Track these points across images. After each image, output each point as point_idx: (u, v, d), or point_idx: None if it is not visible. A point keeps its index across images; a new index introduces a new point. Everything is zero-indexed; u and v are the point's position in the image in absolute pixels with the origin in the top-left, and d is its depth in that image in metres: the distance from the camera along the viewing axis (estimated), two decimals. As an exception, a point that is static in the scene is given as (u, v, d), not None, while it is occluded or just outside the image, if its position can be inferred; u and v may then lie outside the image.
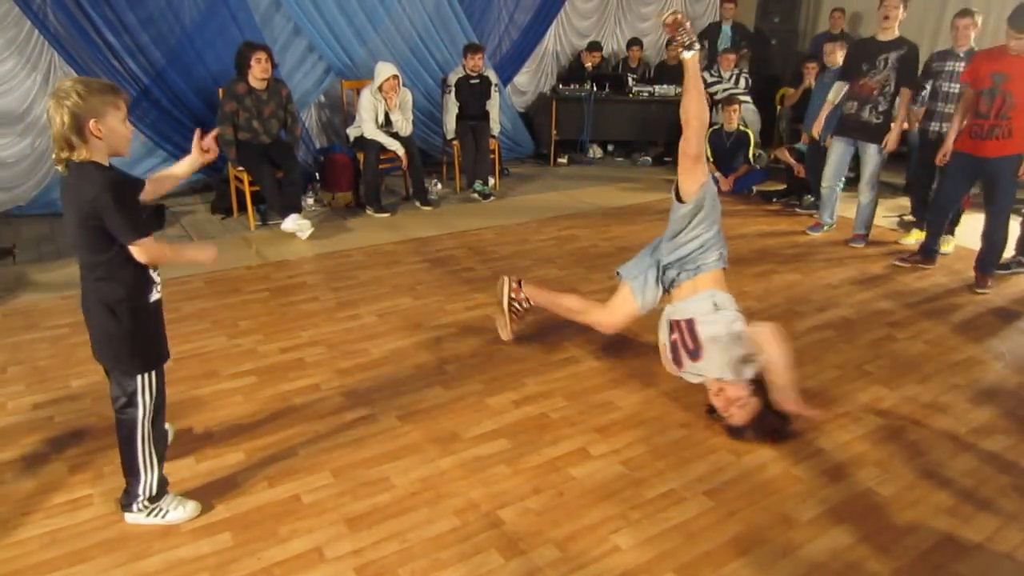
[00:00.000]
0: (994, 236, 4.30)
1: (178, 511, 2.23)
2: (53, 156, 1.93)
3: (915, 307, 4.04)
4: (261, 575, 2.04)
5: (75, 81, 1.89)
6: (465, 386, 3.08)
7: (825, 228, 5.32)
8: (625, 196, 6.32)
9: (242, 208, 5.29)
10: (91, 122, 1.86)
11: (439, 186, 6.31)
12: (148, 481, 2.18)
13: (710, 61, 8.09)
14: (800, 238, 5.26)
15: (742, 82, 7.48)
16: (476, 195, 6.12)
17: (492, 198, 6.14)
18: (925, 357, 3.44)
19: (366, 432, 2.72)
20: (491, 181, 6.36)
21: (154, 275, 2.15)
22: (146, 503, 2.19)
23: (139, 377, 2.12)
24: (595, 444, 2.68)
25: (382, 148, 5.56)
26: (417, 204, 5.81)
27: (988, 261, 4.34)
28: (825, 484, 2.48)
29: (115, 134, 1.93)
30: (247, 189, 5.08)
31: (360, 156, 5.64)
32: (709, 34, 8.36)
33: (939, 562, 2.14)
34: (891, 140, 4.71)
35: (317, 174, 6.00)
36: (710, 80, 7.59)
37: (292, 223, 4.95)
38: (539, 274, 4.39)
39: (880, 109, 4.74)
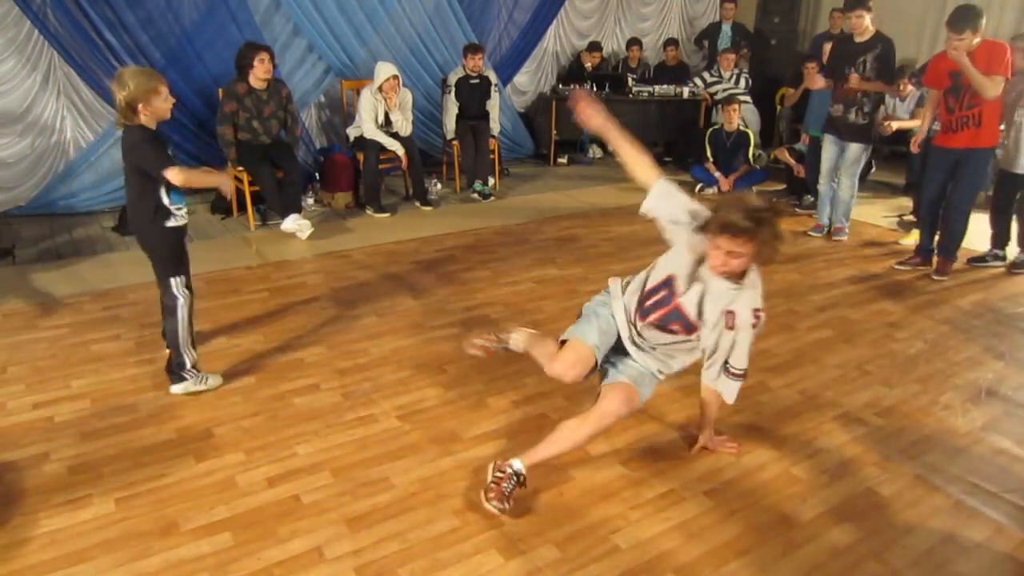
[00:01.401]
0: (953, 225, 4.43)
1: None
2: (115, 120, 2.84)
3: (915, 307, 4.04)
4: (261, 575, 2.04)
5: (131, 73, 2.69)
6: (465, 386, 3.08)
7: (826, 228, 5.31)
8: (625, 196, 6.32)
9: (242, 208, 5.30)
10: (139, 105, 2.67)
11: (439, 186, 6.31)
12: (191, 357, 2.96)
13: (710, 61, 8.09)
14: (800, 238, 5.25)
15: (742, 82, 7.48)
16: (476, 195, 6.12)
17: (492, 198, 6.14)
18: (925, 357, 3.44)
19: (366, 432, 2.72)
20: (491, 181, 6.36)
21: (169, 204, 2.83)
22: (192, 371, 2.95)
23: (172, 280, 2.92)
24: (595, 444, 2.67)
25: (382, 148, 5.56)
26: (417, 204, 5.81)
27: (947, 247, 4.48)
28: (825, 484, 2.48)
29: (158, 111, 2.76)
30: (247, 189, 5.08)
31: (360, 156, 5.64)
32: (709, 34, 8.36)
33: (939, 562, 2.14)
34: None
35: (317, 174, 6.00)
36: (710, 80, 7.60)
37: (292, 223, 4.95)
38: (539, 274, 4.39)
39: (865, 110, 4.84)
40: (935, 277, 4.44)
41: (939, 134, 4.41)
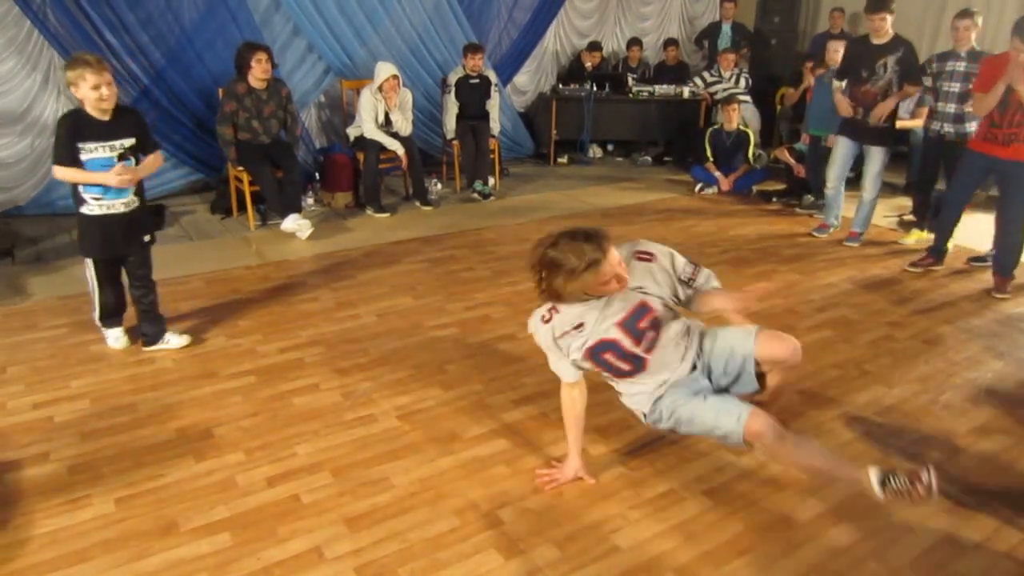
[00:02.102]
0: (1009, 239, 4.25)
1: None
2: None
3: (915, 307, 4.04)
4: (261, 575, 2.04)
5: (75, 57, 2.86)
6: (465, 386, 3.08)
7: (832, 230, 5.28)
8: (625, 196, 6.32)
9: (242, 208, 5.29)
10: (71, 88, 2.86)
11: (439, 186, 6.31)
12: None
13: (710, 61, 8.09)
14: (800, 238, 5.25)
15: (742, 82, 7.48)
16: (476, 195, 6.12)
17: (492, 198, 6.14)
18: (925, 357, 3.44)
19: (366, 432, 2.72)
20: (491, 181, 6.36)
21: (85, 193, 3.03)
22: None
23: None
24: (595, 444, 2.68)
25: (382, 148, 5.56)
26: (417, 204, 5.81)
27: (1005, 264, 4.26)
28: (825, 484, 2.47)
29: (86, 99, 2.85)
30: (247, 189, 5.08)
31: (360, 156, 5.64)
32: (709, 34, 8.36)
33: (939, 562, 2.14)
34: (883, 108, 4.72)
35: (317, 174, 6.00)
36: (710, 80, 7.60)
37: (292, 223, 4.95)
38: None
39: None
40: (996, 295, 4.21)
41: (978, 139, 4.23)
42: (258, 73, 4.87)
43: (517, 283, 4.23)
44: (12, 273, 4.24)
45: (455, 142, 6.30)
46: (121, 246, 3.13)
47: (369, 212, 5.60)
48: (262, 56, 4.86)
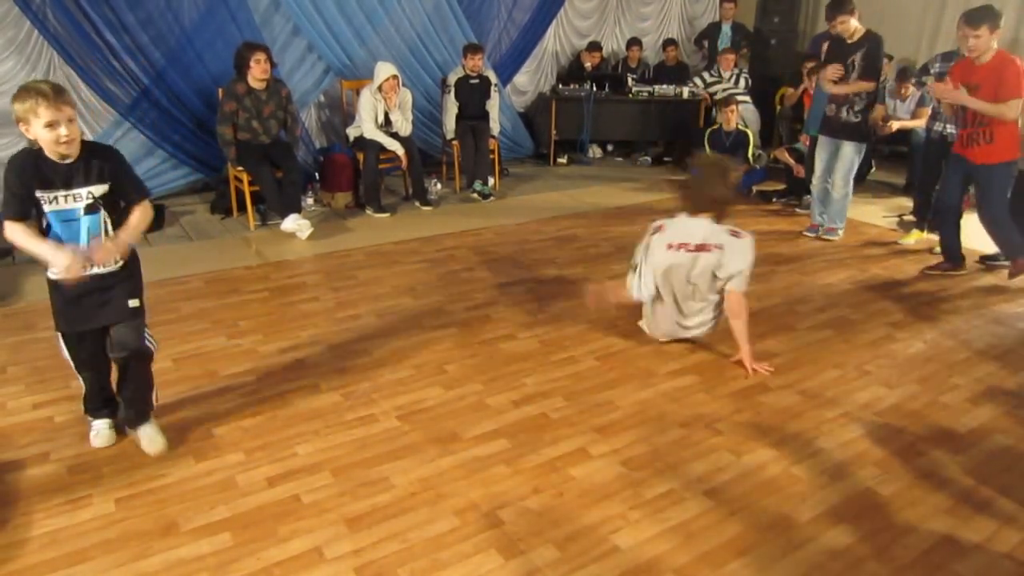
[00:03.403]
0: (1001, 235, 4.31)
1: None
2: None
3: (915, 307, 4.04)
4: (261, 575, 2.04)
5: (26, 86, 2.18)
6: (465, 386, 3.08)
7: (821, 229, 5.29)
8: (625, 196, 6.32)
9: (242, 208, 5.29)
10: (21, 126, 2.20)
11: (439, 186, 6.31)
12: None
13: (710, 61, 8.09)
14: (800, 238, 5.25)
15: (742, 82, 7.48)
16: (476, 195, 6.12)
17: (492, 198, 6.14)
18: (925, 357, 3.44)
19: (366, 432, 2.72)
20: (491, 181, 6.36)
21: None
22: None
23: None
24: (595, 444, 2.68)
25: (382, 148, 5.56)
26: (417, 204, 5.81)
27: (1013, 252, 4.29)
28: (825, 484, 2.48)
29: (39, 138, 2.20)
30: (247, 189, 5.08)
31: (360, 156, 5.64)
32: (709, 34, 8.36)
33: (939, 562, 2.14)
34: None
35: (317, 174, 6.00)
36: (710, 80, 7.60)
37: (292, 223, 4.95)
38: (539, 274, 4.39)
39: (856, 108, 4.83)
40: (1012, 279, 4.28)
41: (957, 143, 4.32)
42: (257, 73, 4.87)
43: (517, 283, 4.23)
44: (12, 273, 4.24)
45: (455, 142, 6.30)
46: (99, 315, 2.43)
47: (369, 212, 5.61)
48: (261, 56, 4.86)
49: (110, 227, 2.39)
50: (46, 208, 2.27)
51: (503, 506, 2.33)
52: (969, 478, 2.53)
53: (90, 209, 2.32)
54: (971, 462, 2.63)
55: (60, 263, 2.23)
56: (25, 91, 2.16)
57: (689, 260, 3.24)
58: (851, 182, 5.06)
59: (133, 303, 2.47)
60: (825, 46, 5.40)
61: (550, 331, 3.61)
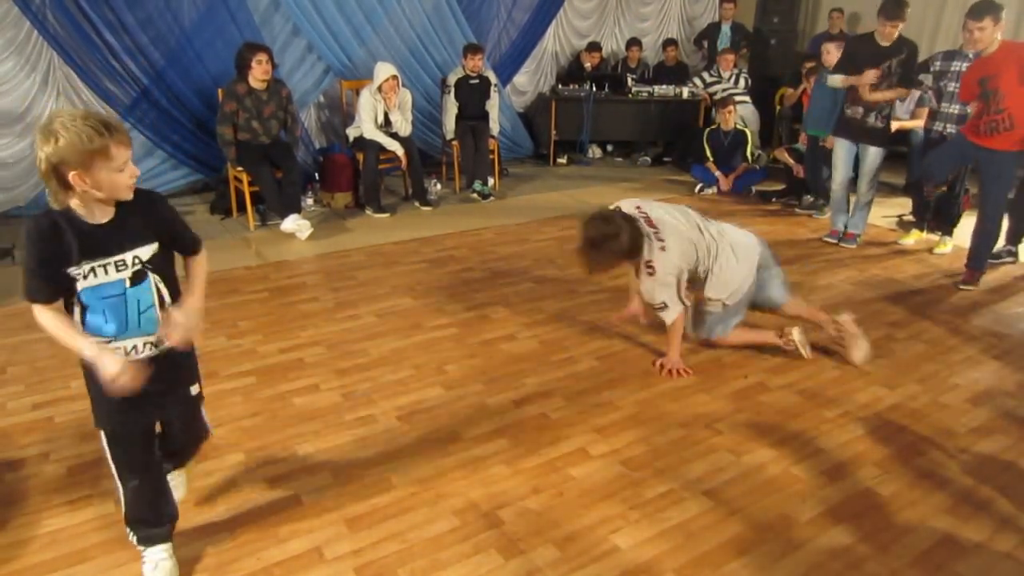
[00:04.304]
0: (985, 229, 4.31)
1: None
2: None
3: (915, 307, 4.04)
4: (261, 575, 2.04)
5: (66, 117, 1.56)
6: (465, 386, 3.08)
7: (842, 235, 5.17)
8: (624, 196, 6.27)
9: (241, 208, 5.29)
10: (71, 174, 1.58)
11: (438, 186, 6.31)
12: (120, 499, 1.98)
13: (710, 61, 8.10)
14: (800, 238, 5.25)
15: (741, 82, 7.49)
16: (475, 195, 6.12)
17: (492, 198, 6.14)
18: (925, 357, 3.44)
19: (366, 432, 2.72)
20: (491, 181, 6.36)
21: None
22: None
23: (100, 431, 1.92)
24: (594, 444, 2.68)
25: (381, 148, 5.56)
26: (417, 204, 5.81)
27: (978, 258, 4.34)
28: (825, 484, 2.48)
29: (104, 185, 1.62)
30: (246, 189, 5.08)
31: (359, 156, 5.64)
32: (709, 34, 8.36)
33: (939, 562, 2.14)
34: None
35: (317, 174, 6.00)
36: (709, 80, 7.61)
37: (292, 223, 4.95)
38: (539, 274, 4.39)
39: (884, 113, 4.77)
40: (962, 288, 4.27)
41: (969, 131, 4.27)
42: (258, 74, 4.88)
43: (517, 283, 4.23)
44: (12, 273, 4.24)
45: (454, 142, 6.30)
46: (156, 410, 1.94)
47: (369, 212, 5.61)
48: (263, 57, 4.86)
49: (165, 294, 1.84)
50: (80, 286, 1.72)
51: (503, 506, 2.33)
52: (969, 478, 2.53)
53: (137, 278, 1.77)
54: (971, 462, 2.63)
55: (109, 371, 1.69)
56: (85, 125, 1.56)
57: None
58: (876, 188, 4.97)
59: (195, 389, 2.01)
60: (830, 45, 5.35)
61: (550, 331, 3.62)
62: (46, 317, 1.75)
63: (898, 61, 4.62)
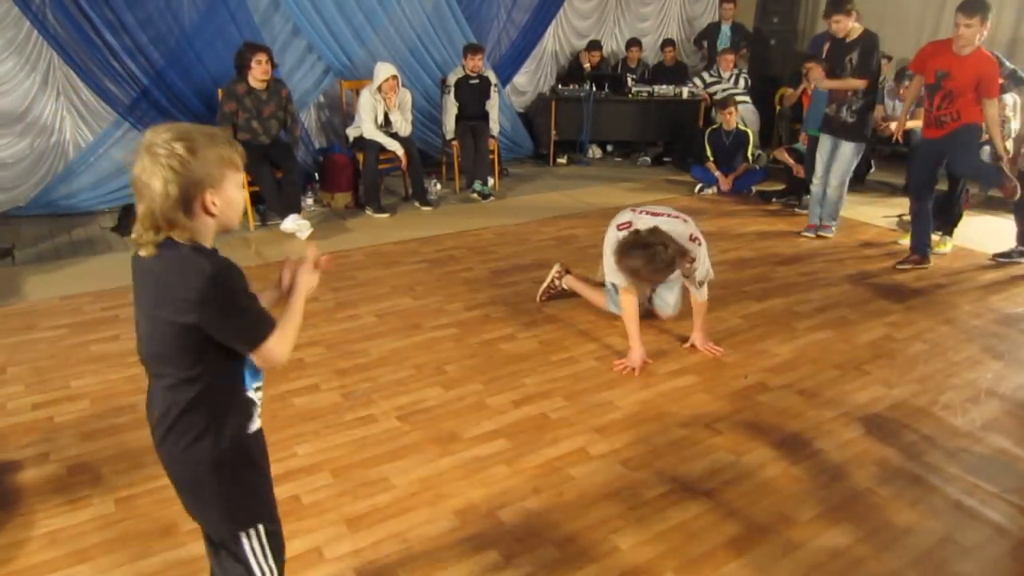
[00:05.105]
0: (949, 206, 4.60)
1: None
2: (135, 236, 1.35)
3: (915, 307, 4.04)
4: (261, 575, 2.03)
5: (173, 136, 1.31)
6: (465, 386, 3.08)
7: (817, 229, 5.29)
8: (624, 196, 6.32)
9: (241, 208, 5.29)
10: (206, 193, 1.33)
11: (438, 186, 6.31)
12: None
13: (710, 61, 8.09)
14: (800, 238, 5.25)
15: (741, 82, 7.49)
16: (475, 195, 6.12)
17: (491, 198, 6.14)
18: (925, 357, 3.45)
19: (366, 432, 2.72)
20: (490, 181, 6.36)
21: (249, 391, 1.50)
22: None
23: (244, 535, 1.51)
24: (595, 444, 2.68)
25: (381, 148, 5.56)
26: (416, 204, 5.81)
27: (921, 238, 4.60)
28: (825, 484, 2.48)
29: (232, 206, 1.39)
30: (246, 189, 5.08)
31: (359, 156, 5.64)
32: (709, 34, 8.36)
33: (939, 562, 2.14)
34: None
35: (316, 174, 6.00)
36: (709, 80, 7.61)
37: (292, 223, 4.95)
38: (539, 274, 4.38)
39: (854, 108, 4.84)
40: (899, 267, 4.55)
41: (923, 127, 4.50)
42: (258, 74, 4.88)
43: (517, 283, 4.23)
44: (12, 273, 4.24)
45: (454, 142, 6.30)
46: None
47: (369, 212, 5.61)
48: (262, 57, 4.86)
49: None
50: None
51: (503, 506, 2.33)
52: (969, 478, 2.53)
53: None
54: (971, 462, 2.63)
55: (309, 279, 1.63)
56: (204, 136, 1.33)
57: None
58: (847, 182, 5.10)
59: None
60: (827, 46, 5.41)
61: (550, 331, 3.62)
62: (280, 337, 1.45)
63: (857, 54, 4.73)
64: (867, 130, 5.00)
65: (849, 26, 4.70)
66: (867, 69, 4.77)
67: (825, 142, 5.12)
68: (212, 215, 1.35)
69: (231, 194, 1.38)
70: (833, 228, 5.24)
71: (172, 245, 1.33)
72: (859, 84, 4.77)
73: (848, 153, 4.95)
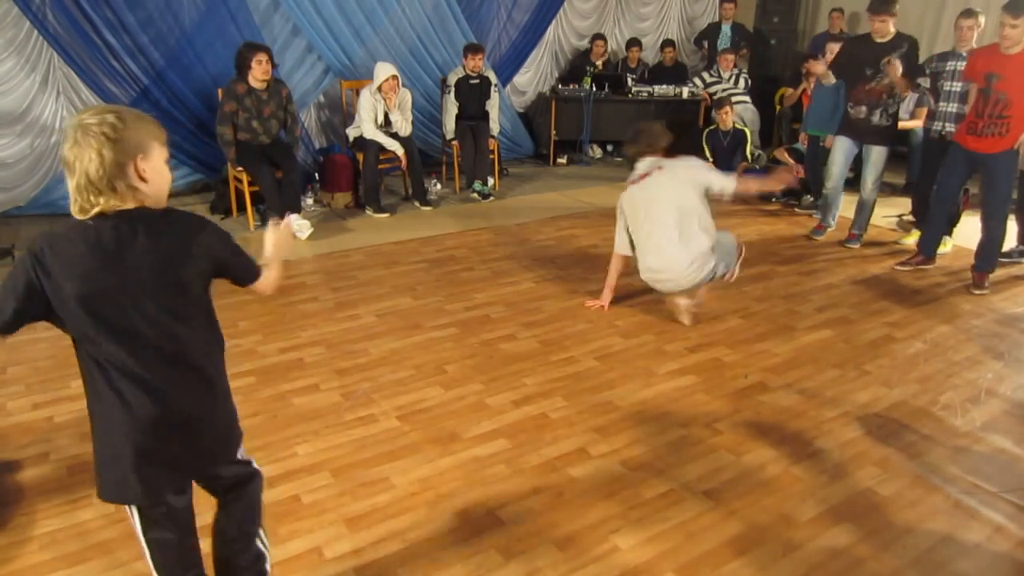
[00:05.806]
0: (992, 232, 4.30)
1: None
2: (75, 209, 1.44)
3: (915, 307, 4.04)
4: (261, 575, 2.03)
5: (102, 110, 1.42)
6: (465, 386, 3.08)
7: (829, 230, 5.26)
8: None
9: (241, 208, 5.29)
10: (138, 159, 1.43)
11: (438, 186, 6.31)
12: None
13: (710, 61, 8.09)
14: (800, 238, 5.25)
15: (741, 82, 7.48)
16: (475, 195, 6.12)
17: (491, 198, 6.13)
18: (925, 357, 3.44)
19: (366, 432, 2.72)
20: (490, 181, 6.36)
21: None
22: None
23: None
24: (594, 444, 2.68)
25: (381, 148, 5.56)
26: (416, 204, 5.81)
27: (986, 259, 4.33)
28: (825, 484, 2.48)
29: (161, 175, 1.53)
30: (246, 189, 5.08)
31: (359, 156, 5.64)
32: (709, 34, 8.36)
33: (939, 562, 2.14)
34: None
35: (316, 174, 6.00)
36: (710, 80, 7.60)
37: (292, 223, 4.94)
38: (539, 274, 4.39)
39: (890, 111, 4.77)
40: (975, 292, 4.26)
41: (961, 131, 4.30)
42: (258, 74, 4.87)
43: (517, 283, 4.23)
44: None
45: (454, 142, 6.30)
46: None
47: (369, 212, 5.60)
48: (263, 57, 4.86)
49: None
50: None
51: (503, 506, 2.33)
52: (969, 478, 2.53)
53: None
54: (971, 462, 2.63)
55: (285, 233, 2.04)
56: (131, 112, 1.48)
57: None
58: (879, 187, 5.00)
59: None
60: (832, 46, 5.36)
61: (550, 331, 3.61)
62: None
63: (899, 55, 4.61)
64: (896, 133, 4.92)
65: (891, 29, 4.62)
66: (921, 71, 4.71)
67: (844, 145, 4.97)
68: (145, 181, 1.46)
69: (159, 164, 1.50)
70: (860, 239, 5.07)
71: (146, 213, 1.49)
72: (913, 87, 4.70)
73: (882, 158, 4.84)
